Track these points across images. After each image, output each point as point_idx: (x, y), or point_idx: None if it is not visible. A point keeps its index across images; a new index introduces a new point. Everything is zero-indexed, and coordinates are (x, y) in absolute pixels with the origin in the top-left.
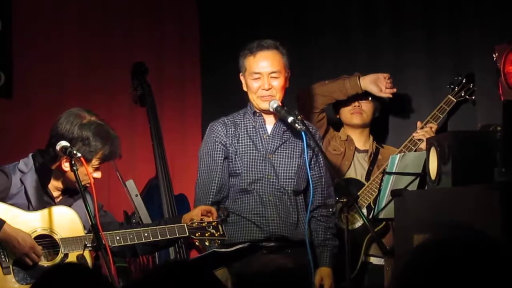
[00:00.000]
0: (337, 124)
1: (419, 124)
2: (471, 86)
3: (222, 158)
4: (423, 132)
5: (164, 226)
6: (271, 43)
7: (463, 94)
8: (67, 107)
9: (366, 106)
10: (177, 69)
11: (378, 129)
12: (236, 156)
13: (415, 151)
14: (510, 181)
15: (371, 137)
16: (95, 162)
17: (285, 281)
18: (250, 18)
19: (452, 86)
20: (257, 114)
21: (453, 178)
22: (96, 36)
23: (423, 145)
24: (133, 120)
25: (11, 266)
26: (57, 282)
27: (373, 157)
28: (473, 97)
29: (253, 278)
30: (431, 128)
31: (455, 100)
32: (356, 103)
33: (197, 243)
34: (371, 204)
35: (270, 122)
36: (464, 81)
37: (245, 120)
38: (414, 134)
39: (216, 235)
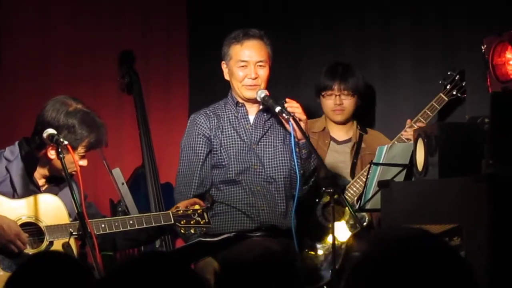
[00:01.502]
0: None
1: (408, 122)
2: (463, 84)
3: (205, 152)
4: (411, 131)
5: (149, 214)
6: (256, 33)
7: (454, 93)
8: (54, 95)
9: (348, 103)
10: (164, 59)
11: (364, 119)
12: (221, 148)
13: None
14: (497, 173)
15: (355, 123)
16: (81, 150)
17: (271, 263)
18: (238, 8)
19: (444, 82)
20: (240, 104)
21: (440, 170)
22: (83, 24)
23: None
24: (120, 108)
25: None
26: (38, 270)
27: (356, 147)
28: (465, 95)
29: (239, 262)
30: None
31: (446, 99)
32: (338, 100)
33: (182, 231)
34: (354, 202)
35: (252, 112)
36: (457, 77)
37: (227, 110)
38: (402, 132)
39: (202, 222)
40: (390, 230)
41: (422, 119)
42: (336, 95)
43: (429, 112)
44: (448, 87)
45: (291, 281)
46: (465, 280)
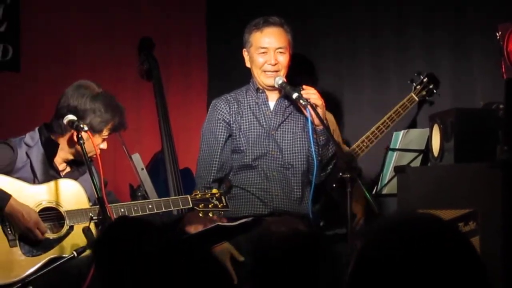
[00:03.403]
0: None
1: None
2: (431, 87)
3: (225, 136)
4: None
5: (168, 198)
6: (277, 20)
7: (424, 94)
8: (74, 81)
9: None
10: (183, 45)
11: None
12: (240, 133)
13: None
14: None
15: None
16: (105, 132)
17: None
18: None
19: (414, 84)
20: (260, 91)
21: (456, 155)
22: (103, 11)
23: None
24: (139, 94)
25: (17, 239)
26: (121, 234)
27: None
28: (431, 98)
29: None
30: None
31: (417, 99)
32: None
33: (200, 215)
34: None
35: (272, 99)
36: (425, 80)
37: (247, 96)
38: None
39: (220, 206)
40: (399, 214)
41: (395, 117)
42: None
43: (400, 110)
44: (418, 87)
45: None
46: (473, 264)
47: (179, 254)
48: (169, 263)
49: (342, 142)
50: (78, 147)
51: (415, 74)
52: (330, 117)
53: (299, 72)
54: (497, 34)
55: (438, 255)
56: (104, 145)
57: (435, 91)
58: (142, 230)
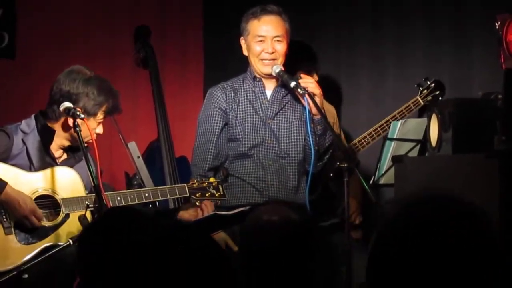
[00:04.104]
0: None
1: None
2: (437, 93)
3: (221, 125)
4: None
5: (164, 187)
6: (274, 8)
7: (429, 99)
8: None
9: None
10: (180, 33)
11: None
12: (236, 121)
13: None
14: (509, 150)
15: None
16: (100, 115)
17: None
18: None
19: (420, 88)
20: (257, 79)
21: (454, 145)
22: None
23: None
24: (136, 82)
25: (12, 227)
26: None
27: None
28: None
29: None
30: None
31: (422, 103)
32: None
33: (197, 204)
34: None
35: (269, 88)
36: (431, 86)
37: (244, 85)
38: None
39: (217, 195)
40: (419, 193)
41: (399, 117)
42: None
43: (405, 111)
44: (424, 92)
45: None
46: (489, 245)
47: (175, 242)
48: (164, 252)
49: (341, 135)
50: (74, 132)
51: (423, 79)
52: (331, 109)
53: (300, 60)
54: (496, 24)
55: (457, 234)
56: (100, 130)
57: (440, 98)
58: (133, 219)
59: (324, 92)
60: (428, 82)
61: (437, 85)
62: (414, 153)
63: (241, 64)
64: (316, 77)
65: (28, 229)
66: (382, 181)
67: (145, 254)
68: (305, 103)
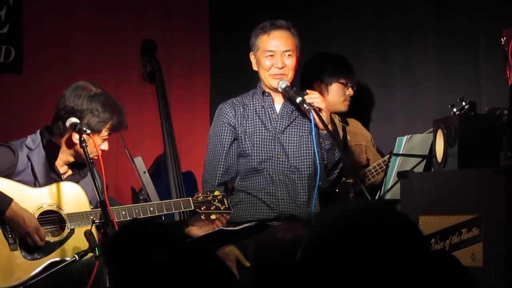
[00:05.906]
0: None
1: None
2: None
3: (230, 140)
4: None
5: (169, 201)
6: (284, 23)
7: None
8: None
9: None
10: (186, 48)
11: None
12: (246, 136)
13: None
14: None
15: (337, 116)
16: (104, 132)
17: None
18: None
19: (454, 109)
20: (266, 94)
21: (459, 161)
22: (105, 12)
23: None
24: (142, 97)
25: (18, 243)
26: (133, 237)
27: (343, 142)
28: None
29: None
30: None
31: None
32: (348, 91)
33: (203, 217)
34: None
35: (279, 102)
36: (466, 107)
37: (254, 100)
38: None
39: (222, 208)
40: (350, 204)
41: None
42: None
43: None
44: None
45: None
46: (421, 251)
47: (186, 258)
48: (178, 268)
49: (376, 156)
50: (78, 148)
51: (457, 100)
52: (364, 133)
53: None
54: (502, 39)
55: (391, 244)
56: (105, 146)
57: None
58: (154, 235)
59: (359, 106)
60: (463, 104)
61: (471, 107)
62: (420, 169)
63: (248, 79)
64: (351, 91)
65: (33, 245)
66: (387, 197)
67: (163, 270)
68: (311, 118)
